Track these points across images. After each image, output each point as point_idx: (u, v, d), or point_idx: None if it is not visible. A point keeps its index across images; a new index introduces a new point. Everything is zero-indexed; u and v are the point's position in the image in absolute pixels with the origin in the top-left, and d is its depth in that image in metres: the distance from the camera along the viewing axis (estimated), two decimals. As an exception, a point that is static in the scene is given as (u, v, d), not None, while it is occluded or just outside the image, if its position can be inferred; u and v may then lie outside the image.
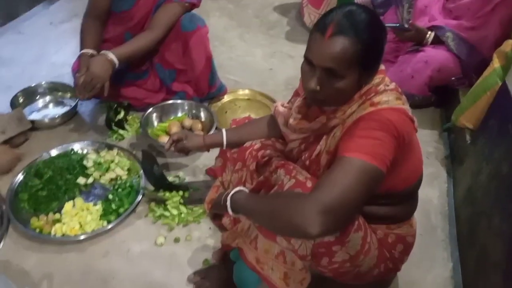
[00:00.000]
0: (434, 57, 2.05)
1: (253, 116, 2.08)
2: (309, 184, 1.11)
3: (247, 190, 1.16)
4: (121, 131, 2.00)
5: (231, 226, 1.27)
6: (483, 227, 1.41)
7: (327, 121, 1.13)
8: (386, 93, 1.08)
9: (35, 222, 1.58)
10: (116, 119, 1.99)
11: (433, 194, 1.77)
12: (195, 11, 2.00)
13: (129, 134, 2.01)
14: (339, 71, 1.01)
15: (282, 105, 1.39)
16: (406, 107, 1.09)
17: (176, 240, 1.56)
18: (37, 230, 1.56)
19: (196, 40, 1.97)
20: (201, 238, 1.56)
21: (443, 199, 1.76)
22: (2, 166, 1.79)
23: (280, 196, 1.11)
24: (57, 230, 1.55)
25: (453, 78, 2.06)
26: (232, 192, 1.14)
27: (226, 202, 1.12)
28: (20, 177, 1.73)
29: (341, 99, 1.08)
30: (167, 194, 1.66)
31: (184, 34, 1.94)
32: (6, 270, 1.41)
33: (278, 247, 1.11)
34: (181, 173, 1.82)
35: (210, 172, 1.78)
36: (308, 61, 1.06)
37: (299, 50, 2.68)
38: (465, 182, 1.68)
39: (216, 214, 1.21)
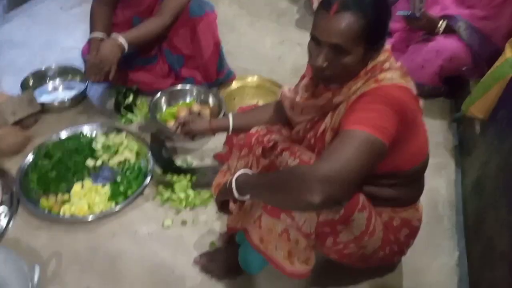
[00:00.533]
0: (445, 46, 2.03)
1: (261, 103, 2.08)
2: (313, 162, 1.12)
3: (250, 172, 1.17)
4: (129, 115, 2.01)
5: (237, 211, 1.28)
6: (491, 218, 1.40)
7: (333, 97, 1.14)
8: (391, 71, 1.09)
9: (44, 202, 1.60)
10: (125, 103, 2.00)
11: (441, 184, 1.77)
12: (205, -3, 2.00)
13: (137, 118, 2.02)
14: (345, 47, 1.03)
15: (287, 91, 1.39)
16: (411, 85, 1.10)
17: (183, 223, 1.57)
18: (46, 210, 1.58)
19: (204, 26, 1.96)
20: (207, 222, 1.58)
21: (450, 189, 1.75)
22: (12, 147, 1.81)
23: (283, 170, 1.12)
24: (65, 210, 1.57)
25: (464, 68, 2.04)
26: (237, 174, 1.15)
27: (232, 184, 1.13)
28: (30, 158, 1.75)
29: (347, 76, 1.10)
30: (175, 177, 1.68)
31: (192, 19, 1.94)
32: (16, 248, 1.44)
33: (282, 225, 1.12)
34: (189, 158, 1.83)
35: (217, 157, 1.79)
36: (314, 38, 1.08)
37: (308, 38, 2.65)
38: (474, 173, 1.68)
39: (223, 205, 1.22)
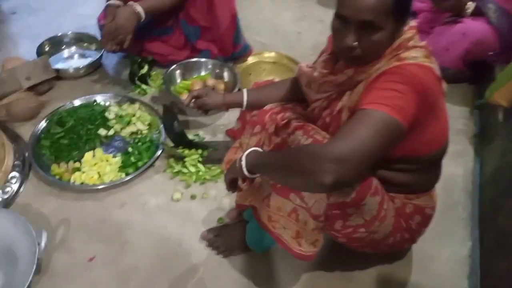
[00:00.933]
0: (472, 29, 1.93)
1: (277, 80, 2.03)
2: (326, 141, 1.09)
3: (261, 150, 1.14)
4: (144, 86, 1.99)
5: (246, 189, 1.26)
6: (507, 208, 1.36)
7: (353, 75, 1.08)
8: (415, 49, 1.03)
9: (55, 169, 1.61)
10: (140, 74, 1.98)
11: (458, 171, 1.71)
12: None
13: (151, 89, 2.00)
14: (376, 22, 0.97)
15: (306, 66, 1.35)
16: (435, 66, 1.04)
17: (193, 197, 1.56)
18: (57, 177, 1.58)
19: (221, -4, 1.92)
20: (217, 197, 1.56)
21: (467, 177, 1.70)
22: (26, 113, 1.81)
23: (295, 148, 1.08)
24: (76, 178, 1.58)
25: (490, 53, 1.95)
26: (247, 152, 1.12)
27: (241, 161, 1.11)
28: (43, 124, 1.75)
29: (376, 54, 1.04)
30: (186, 151, 1.66)
31: (209, -11, 1.89)
32: (25, 213, 1.45)
33: (291, 205, 1.09)
34: (201, 132, 1.81)
35: (229, 133, 1.76)
36: (341, 17, 1.02)
37: (330, 15, 2.56)
38: (493, 162, 1.62)
39: (232, 183, 1.20)
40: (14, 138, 1.73)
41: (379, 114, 0.94)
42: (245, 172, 1.10)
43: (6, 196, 1.51)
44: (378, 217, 1.10)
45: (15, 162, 1.60)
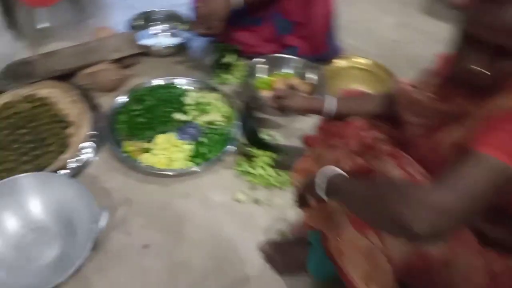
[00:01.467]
0: None
1: (365, 89, 1.89)
2: (420, 178, 0.96)
3: (345, 174, 1.02)
4: (225, 75, 1.93)
5: (318, 209, 1.15)
6: None
7: (469, 105, 0.92)
8: None
9: (127, 145, 1.60)
10: (223, 62, 1.92)
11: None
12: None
13: (233, 80, 1.94)
14: None
15: (408, 85, 1.20)
16: None
17: (256, 201, 1.48)
18: (128, 154, 1.57)
19: (320, -8, 1.80)
20: (282, 207, 1.47)
21: None
22: (109, 84, 1.83)
23: (387, 183, 0.95)
24: (145, 159, 1.55)
25: None
26: (327, 172, 1.00)
27: (319, 182, 1.00)
28: (122, 98, 1.75)
29: (503, 84, 0.88)
30: (257, 151, 1.58)
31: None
32: (91, 186, 1.45)
33: (367, 243, 0.97)
34: (276, 134, 1.72)
35: (306, 140, 1.65)
36: (471, 36, 0.86)
37: (434, 26, 2.36)
38: None
39: (302, 199, 1.09)
40: (94, 107, 1.74)
41: (495, 162, 0.79)
42: (323, 195, 0.99)
43: (77, 165, 1.52)
44: (465, 277, 0.95)
45: (92, 132, 1.62)
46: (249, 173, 1.55)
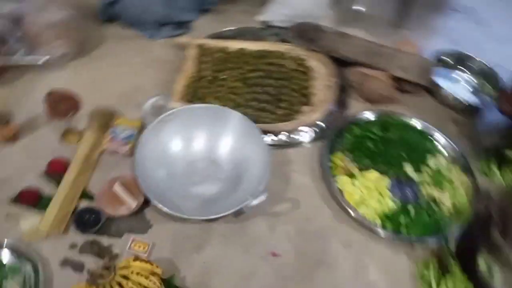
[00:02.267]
0: None
1: None
2: None
3: None
4: (495, 168, 1.46)
5: None
6: None
7: None
8: None
9: (338, 157, 1.43)
10: (506, 154, 1.46)
11: None
12: None
13: (499, 179, 1.45)
14: None
15: None
16: None
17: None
18: (331, 163, 1.41)
19: None
20: None
21: None
22: (371, 94, 1.65)
23: None
24: (349, 194, 1.33)
25: None
26: None
27: None
28: (370, 114, 1.58)
29: None
30: (458, 272, 1.16)
31: None
32: (278, 165, 1.36)
33: None
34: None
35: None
36: None
37: None
38: None
39: None
40: (341, 104, 1.62)
41: None
42: None
43: (285, 140, 1.46)
44: None
45: (320, 123, 1.51)
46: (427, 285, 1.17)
